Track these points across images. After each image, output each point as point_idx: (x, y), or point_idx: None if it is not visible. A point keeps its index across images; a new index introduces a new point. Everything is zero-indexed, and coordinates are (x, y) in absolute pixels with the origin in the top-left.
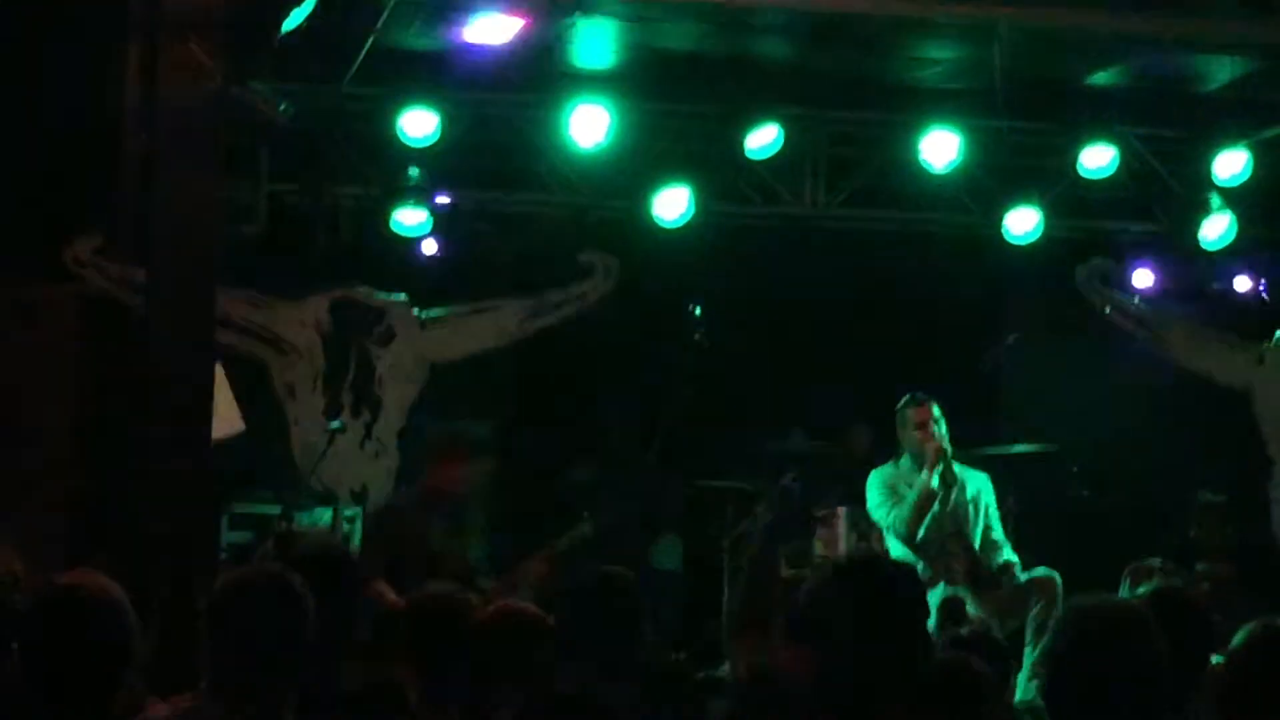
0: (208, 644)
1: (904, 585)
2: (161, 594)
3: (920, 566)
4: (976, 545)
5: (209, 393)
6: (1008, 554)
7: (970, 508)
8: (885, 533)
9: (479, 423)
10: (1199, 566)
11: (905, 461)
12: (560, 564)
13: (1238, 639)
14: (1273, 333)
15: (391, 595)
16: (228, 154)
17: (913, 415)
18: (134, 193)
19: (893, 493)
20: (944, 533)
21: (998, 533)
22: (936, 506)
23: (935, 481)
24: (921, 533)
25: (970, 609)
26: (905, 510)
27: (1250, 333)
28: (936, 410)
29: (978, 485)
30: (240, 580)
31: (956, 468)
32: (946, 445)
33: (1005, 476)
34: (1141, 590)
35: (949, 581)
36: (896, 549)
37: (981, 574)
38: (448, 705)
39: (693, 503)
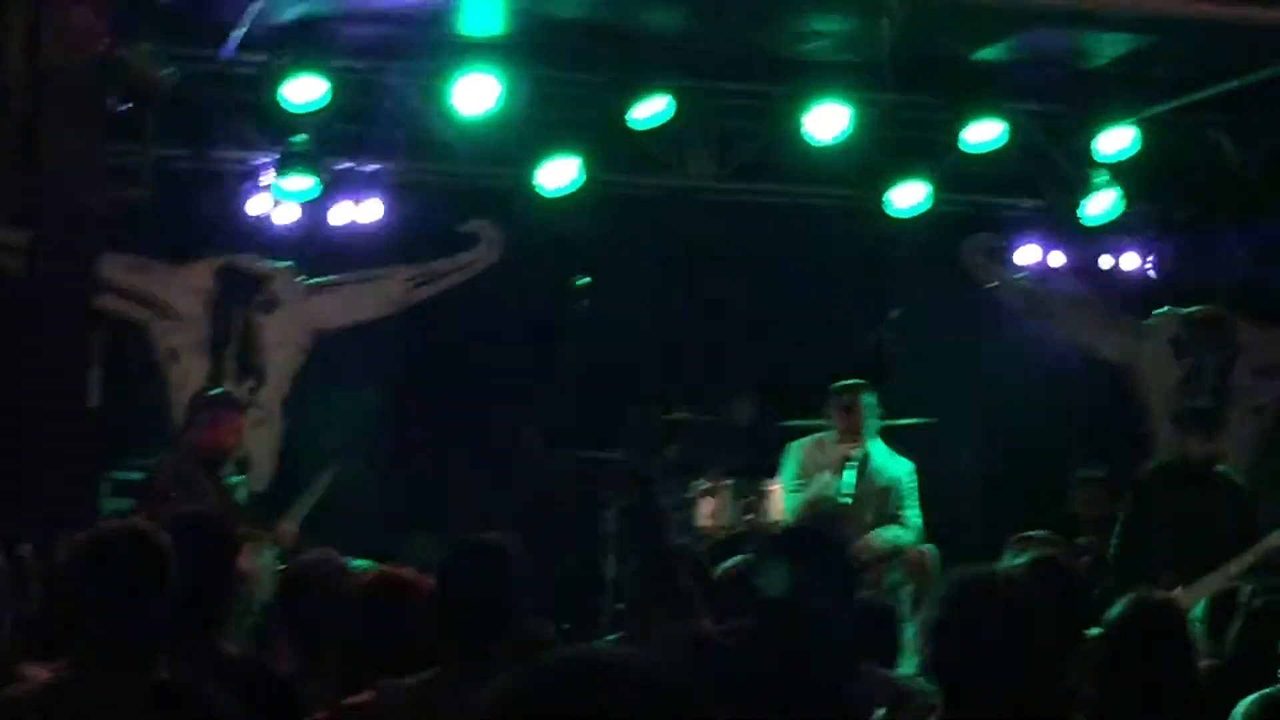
0: (71, 601)
1: (838, 553)
2: (41, 561)
3: None
4: (869, 525)
5: (88, 357)
6: (897, 533)
7: (874, 497)
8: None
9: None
10: (1079, 540)
11: (830, 435)
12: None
13: (1114, 610)
14: (1155, 309)
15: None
16: (113, 118)
17: (838, 401)
18: (17, 156)
19: (804, 471)
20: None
21: (907, 514)
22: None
23: (837, 488)
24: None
25: None
26: (801, 503)
27: (1134, 309)
28: (867, 399)
29: (895, 475)
30: (96, 535)
31: (883, 454)
32: (867, 443)
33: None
34: (1020, 561)
35: None
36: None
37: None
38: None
39: (576, 475)
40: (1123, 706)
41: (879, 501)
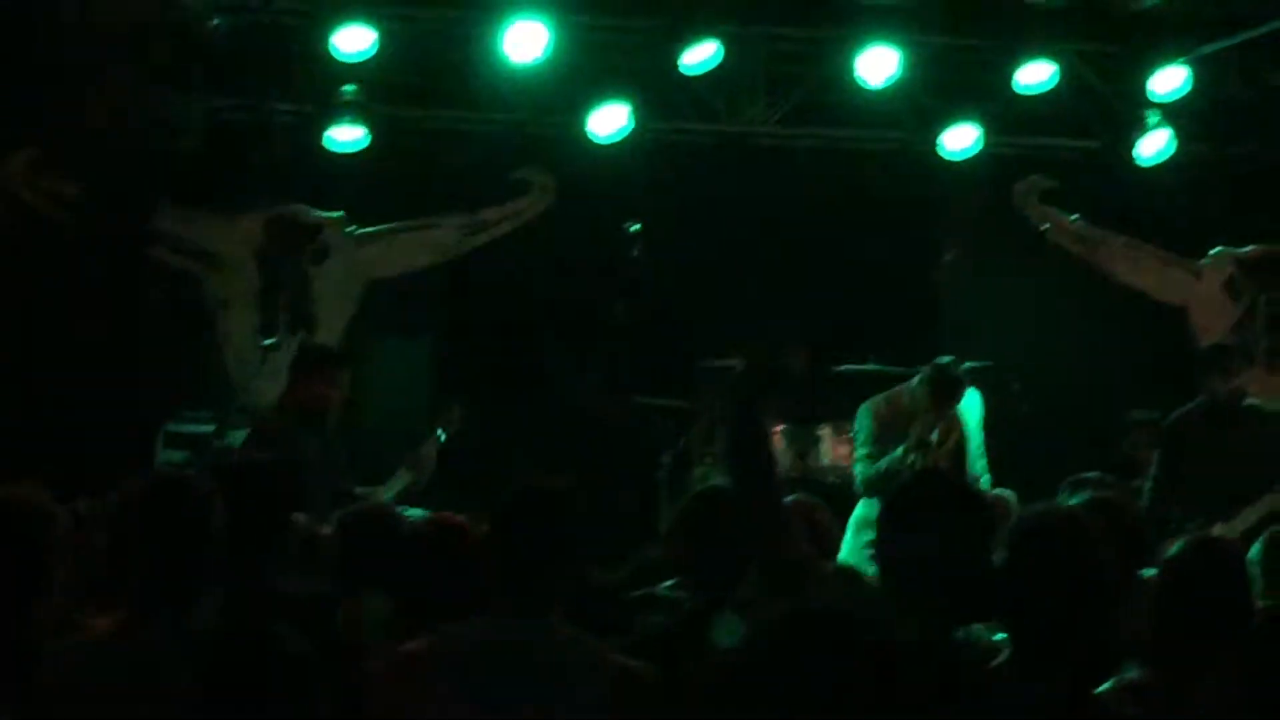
0: (119, 551)
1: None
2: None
3: None
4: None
5: (140, 308)
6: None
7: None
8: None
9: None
10: (1134, 483)
11: (908, 396)
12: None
13: (1171, 551)
14: (1209, 249)
15: None
16: (161, 69)
17: (943, 387)
18: (71, 107)
19: (878, 437)
20: None
21: (976, 466)
22: None
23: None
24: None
25: None
26: (873, 473)
27: (1188, 250)
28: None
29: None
30: (137, 487)
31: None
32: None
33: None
34: (1075, 501)
35: None
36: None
37: None
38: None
39: (631, 422)
40: (1178, 647)
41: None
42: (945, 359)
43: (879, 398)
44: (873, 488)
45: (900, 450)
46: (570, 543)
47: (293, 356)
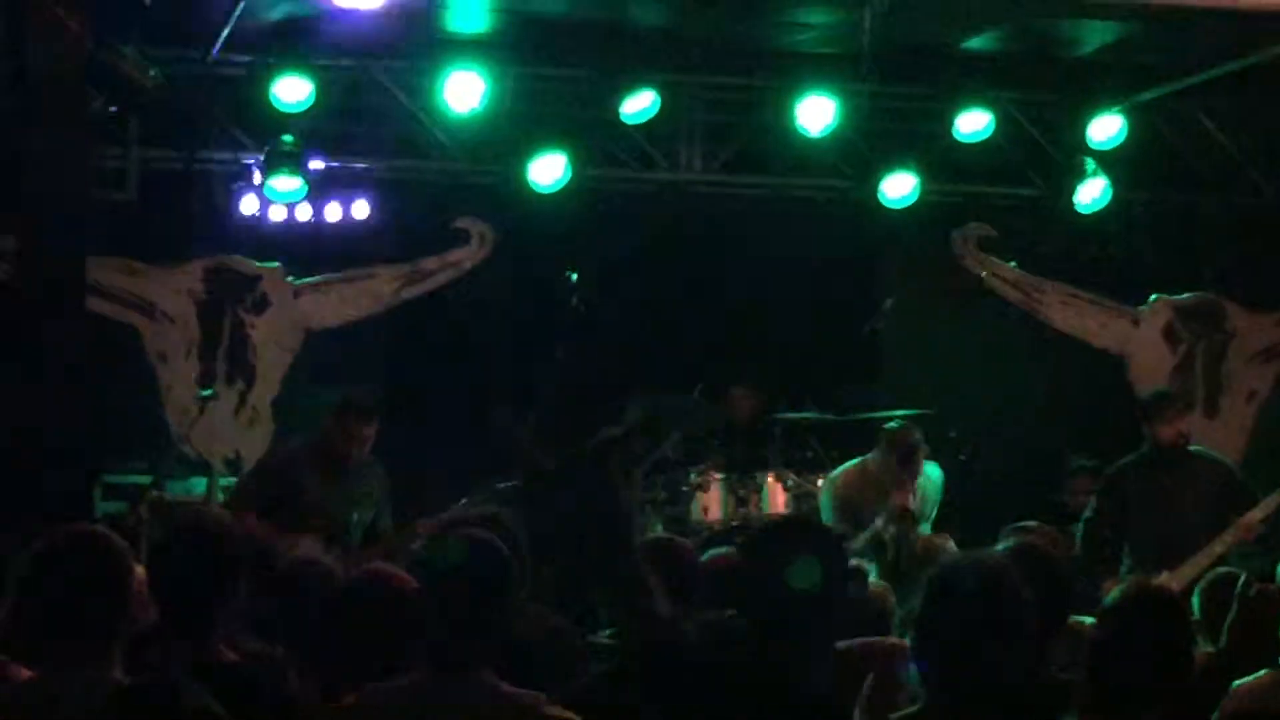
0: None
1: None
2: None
3: None
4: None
5: (83, 360)
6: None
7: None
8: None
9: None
10: (1072, 529)
11: (874, 465)
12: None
13: (1110, 597)
14: (1148, 296)
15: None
16: (98, 120)
17: (903, 444)
18: (3, 160)
19: (843, 512)
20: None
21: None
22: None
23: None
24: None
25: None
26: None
27: (1126, 297)
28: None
29: (923, 488)
30: (45, 539)
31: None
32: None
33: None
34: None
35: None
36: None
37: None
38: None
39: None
40: (1117, 694)
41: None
42: (895, 423)
43: (836, 474)
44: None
45: (879, 521)
46: (499, 594)
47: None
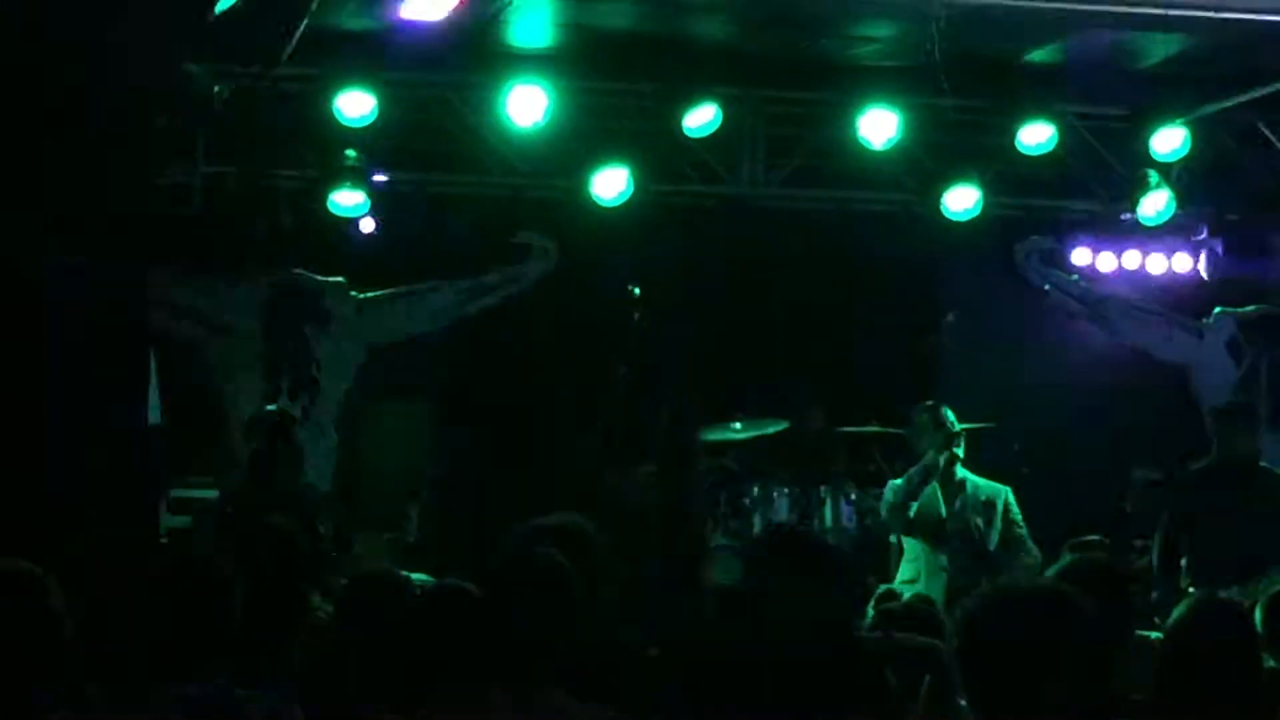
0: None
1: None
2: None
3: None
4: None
5: (146, 376)
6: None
7: (978, 517)
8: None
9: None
10: (1135, 541)
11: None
12: None
13: (1177, 612)
14: (1211, 309)
15: None
16: (164, 137)
17: (930, 420)
18: (71, 177)
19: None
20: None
21: (1016, 534)
22: (939, 497)
23: (936, 459)
24: (913, 510)
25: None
26: (902, 481)
27: (1189, 310)
28: (948, 414)
29: (991, 495)
30: (160, 564)
31: (976, 480)
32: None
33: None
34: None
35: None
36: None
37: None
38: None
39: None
40: (1185, 710)
41: (976, 515)
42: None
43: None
44: (897, 493)
45: (931, 454)
46: (568, 612)
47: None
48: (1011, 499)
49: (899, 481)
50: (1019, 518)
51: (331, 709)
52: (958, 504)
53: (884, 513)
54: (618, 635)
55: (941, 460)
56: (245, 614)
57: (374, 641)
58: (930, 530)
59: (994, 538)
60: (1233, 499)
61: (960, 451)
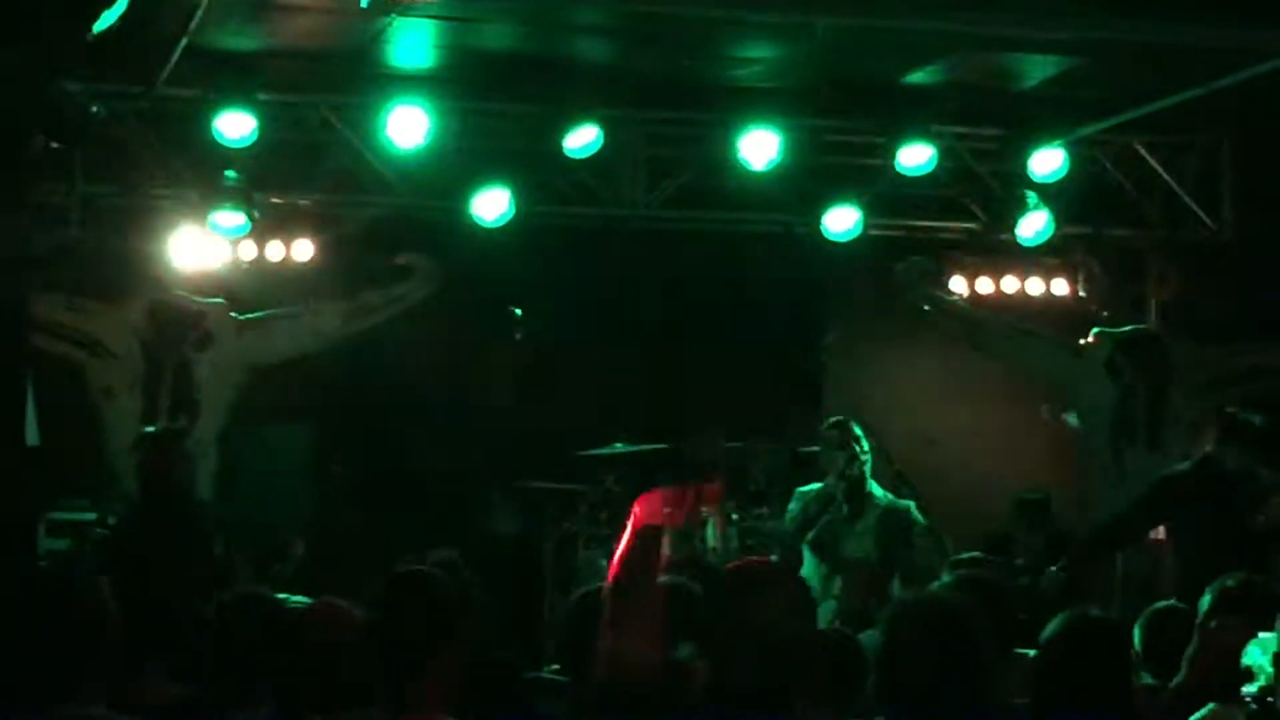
0: None
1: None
2: None
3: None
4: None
5: (24, 398)
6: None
7: (879, 539)
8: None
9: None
10: (1017, 562)
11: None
12: None
13: (1050, 629)
14: (1089, 330)
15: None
16: (40, 158)
17: (837, 436)
18: None
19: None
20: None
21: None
22: (839, 524)
23: (834, 486)
24: (812, 534)
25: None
26: (797, 505)
27: (1068, 330)
28: (856, 429)
29: (897, 515)
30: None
31: (882, 501)
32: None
33: None
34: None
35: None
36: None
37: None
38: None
39: (516, 508)
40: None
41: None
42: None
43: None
44: (792, 519)
45: (820, 485)
46: (449, 630)
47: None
48: (915, 513)
49: (807, 488)
50: (925, 525)
51: None
52: (859, 526)
53: (786, 525)
54: (495, 657)
55: (839, 488)
56: (126, 637)
57: (247, 662)
58: (827, 554)
59: (909, 557)
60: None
61: (867, 468)
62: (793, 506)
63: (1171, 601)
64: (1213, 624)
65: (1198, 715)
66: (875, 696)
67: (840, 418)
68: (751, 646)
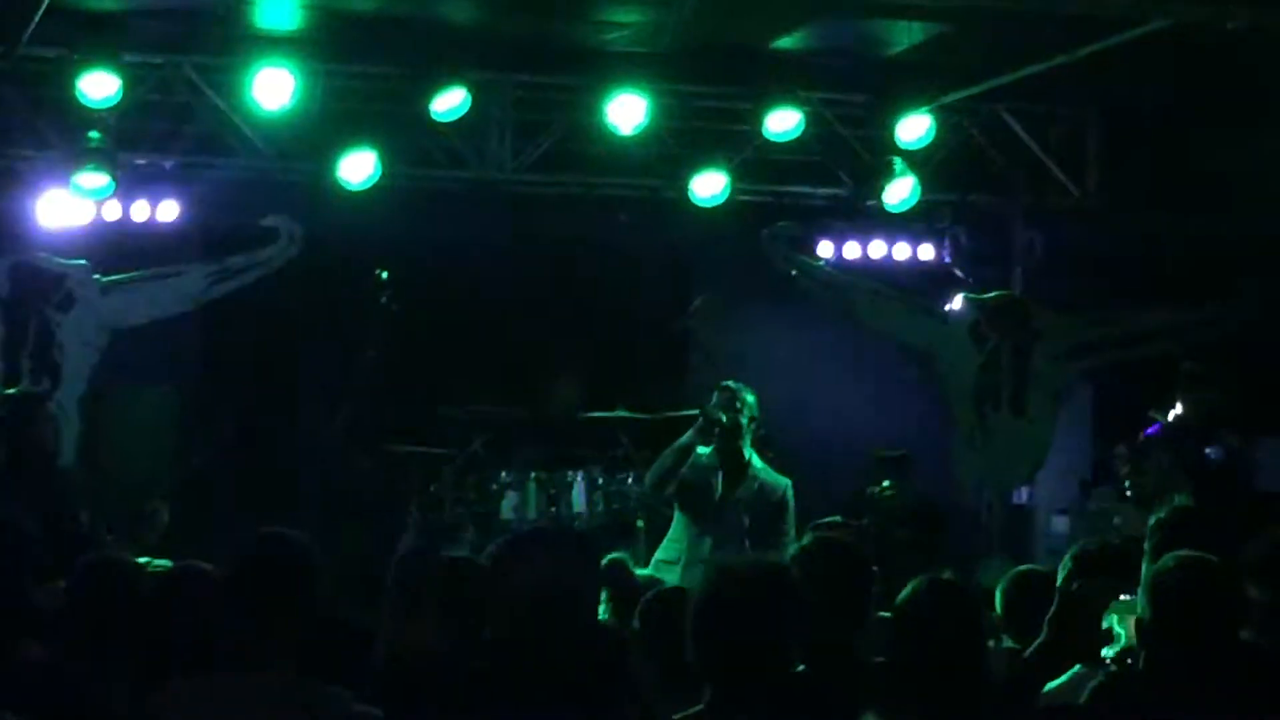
0: None
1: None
2: None
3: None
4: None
5: None
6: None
7: (753, 512)
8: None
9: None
10: (864, 521)
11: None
12: None
13: (905, 591)
14: (954, 295)
15: None
16: None
17: (720, 401)
18: None
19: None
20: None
21: (783, 536)
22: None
23: (692, 439)
24: (671, 488)
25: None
26: (658, 461)
27: (933, 296)
28: (748, 398)
29: (776, 492)
30: None
31: (763, 475)
32: (741, 424)
33: None
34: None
35: None
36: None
37: None
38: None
39: (379, 470)
40: (910, 685)
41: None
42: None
43: None
44: (653, 473)
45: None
46: (307, 591)
47: None
48: (791, 494)
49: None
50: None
51: (65, 698)
52: (737, 493)
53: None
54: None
55: (699, 441)
56: None
57: (107, 627)
58: (699, 507)
59: (786, 533)
60: None
61: (748, 437)
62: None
63: (1032, 565)
64: (1074, 586)
65: (1060, 679)
66: (692, 654)
67: (731, 383)
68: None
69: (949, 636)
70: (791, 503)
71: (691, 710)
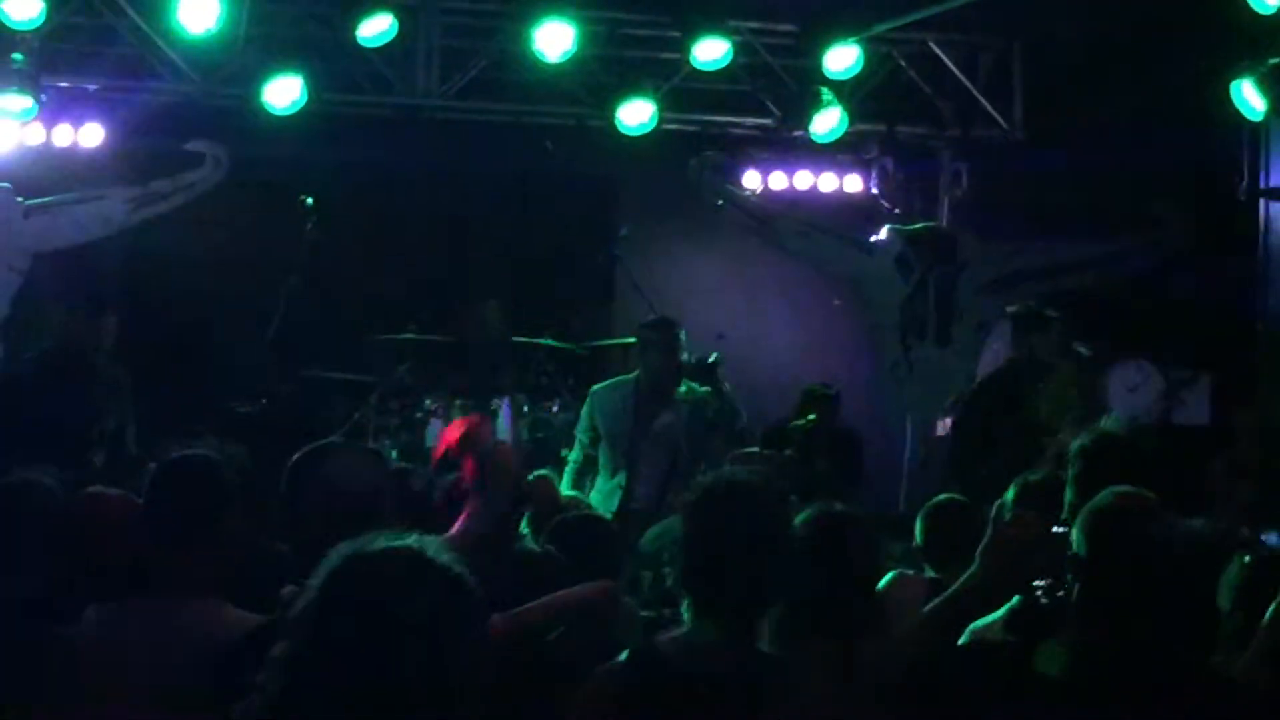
0: None
1: None
2: None
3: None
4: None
5: None
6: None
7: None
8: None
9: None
10: (786, 452)
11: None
12: None
13: (797, 522)
14: (881, 227)
15: None
16: None
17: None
18: None
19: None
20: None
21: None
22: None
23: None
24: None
25: None
26: (586, 408)
27: (860, 227)
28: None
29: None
30: None
31: (685, 392)
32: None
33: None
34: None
35: None
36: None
37: None
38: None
39: (304, 395)
40: (815, 610)
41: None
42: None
43: (615, 382)
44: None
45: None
46: (219, 514)
47: None
48: (709, 394)
49: (600, 386)
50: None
51: None
52: (657, 424)
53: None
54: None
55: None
56: None
57: (20, 553)
58: (616, 442)
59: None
60: None
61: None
62: (585, 409)
63: (950, 495)
64: (1008, 517)
65: (1001, 610)
66: (677, 577)
67: (656, 318)
68: None
69: (838, 565)
70: (709, 402)
71: (678, 632)
